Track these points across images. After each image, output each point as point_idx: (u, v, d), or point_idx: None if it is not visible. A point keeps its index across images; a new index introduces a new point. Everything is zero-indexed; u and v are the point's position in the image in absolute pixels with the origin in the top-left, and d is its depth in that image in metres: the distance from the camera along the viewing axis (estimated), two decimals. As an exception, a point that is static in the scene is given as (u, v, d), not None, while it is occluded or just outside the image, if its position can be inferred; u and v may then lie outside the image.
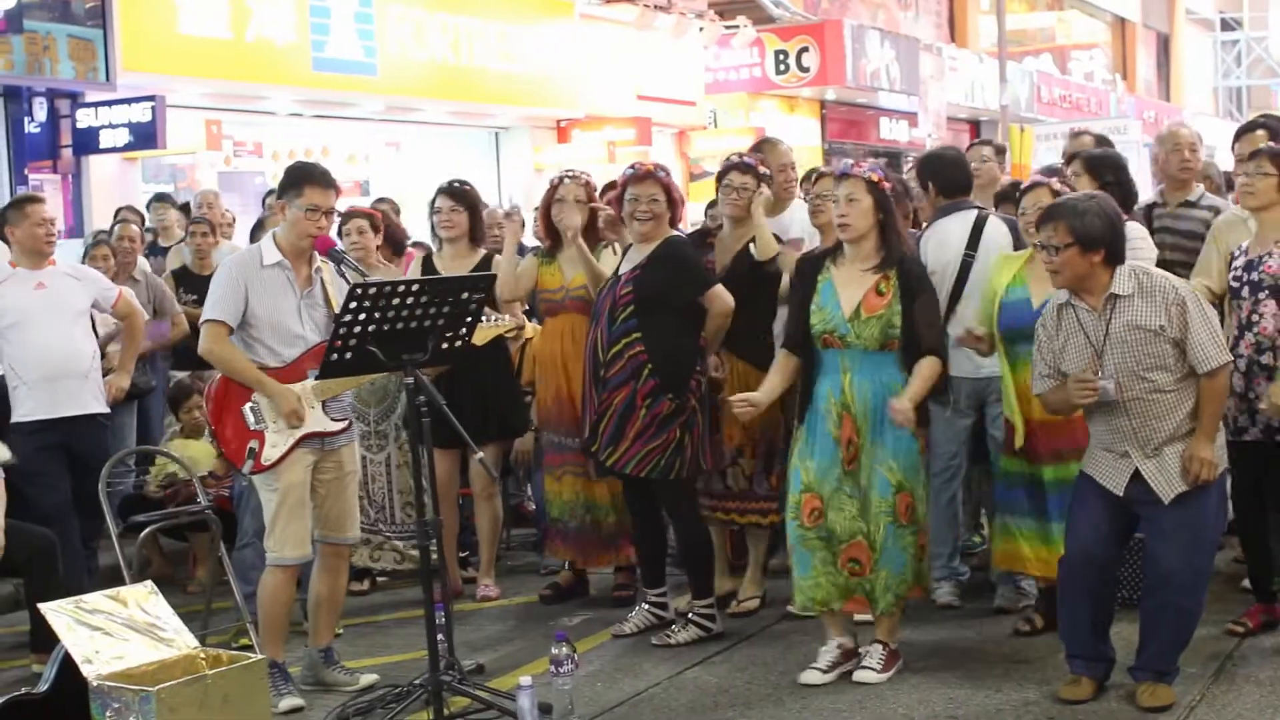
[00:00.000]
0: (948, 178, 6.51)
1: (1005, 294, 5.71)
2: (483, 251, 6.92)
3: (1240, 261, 5.79)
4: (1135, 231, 6.25)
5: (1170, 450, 4.92)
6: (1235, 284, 5.78)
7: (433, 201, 7.00)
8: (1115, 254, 4.96)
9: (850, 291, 5.42)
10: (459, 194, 6.89)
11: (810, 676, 5.44)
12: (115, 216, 10.19)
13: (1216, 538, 5.27)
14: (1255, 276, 5.70)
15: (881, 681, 5.38)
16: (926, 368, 5.37)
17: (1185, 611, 4.99)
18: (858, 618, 5.96)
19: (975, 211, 6.40)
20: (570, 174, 6.75)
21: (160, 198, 11.29)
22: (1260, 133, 6.62)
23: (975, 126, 27.11)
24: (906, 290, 5.38)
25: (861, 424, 5.38)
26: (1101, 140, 7.89)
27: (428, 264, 6.90)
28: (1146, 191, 7.75)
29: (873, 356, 5.38)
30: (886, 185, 5.44)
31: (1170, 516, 4.92)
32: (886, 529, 5.37)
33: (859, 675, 5.42)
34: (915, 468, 5.42)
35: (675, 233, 6.26)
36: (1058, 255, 4.91)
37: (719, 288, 6.07)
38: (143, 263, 8.96)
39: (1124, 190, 6.31)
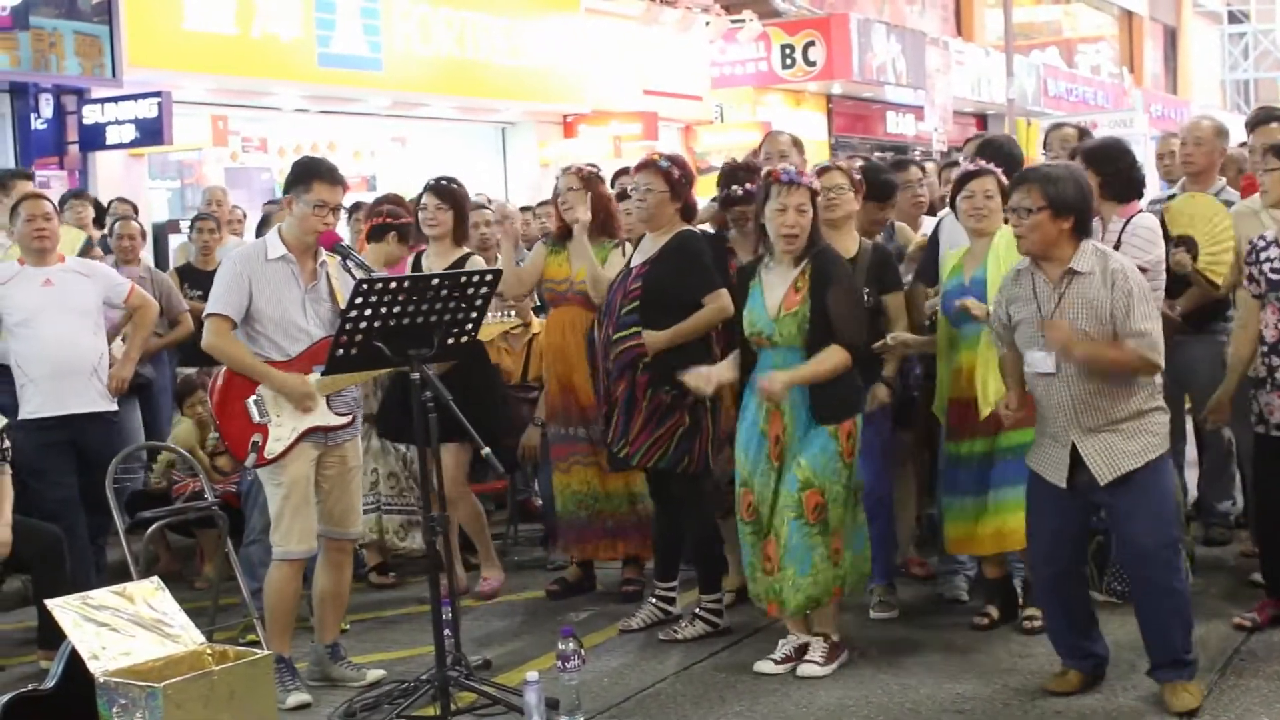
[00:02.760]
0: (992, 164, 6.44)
1: (947, 285, 5.83)
2: (464, 250, 6.81)
3: (1275, 253, 5.63)
4: (1144, 222, 6.23)
5: (1110, 435, 4.84)
6: (1275, 275, 5.62)
7: (419, 197, 6.95)
8: (1083, 225, 4.93)
9: (775, 292, 5.49)
10: (445, 192, 6.79)
11: (763, 666, 5.53)
12: (108, 209, 10.18)
13: (1175, 506, 5.26)
14: None
15: (824, 675, 5.41)
16: (825, 355, 5.37)
17: (1173, 591, 4.92)
18: (874, 615, 6.14)
19: None
20: (568, 167, 6.76)
21: (76, 194, 11.19)
22: (1275, 125, 6.58)
23: (982, 120, 27.08)
24: (817, 283, 5.41)
25: (788, 422, 5.42)
26: (1083, 132, 7.84)
27: (417, 263, 6.83)
28: (1153, 189, 7.71)
29: (796, 353, 5.43)
30: (817, 185, 5.54)
31: (1126, 498, 4.88)
32: (790, 524, 5.38)
33: (802, 669, 5.46)
34: (830, 468, 5.39)
35: (688, 227, 6.17)
36: (1028, 218, 4.87)
37: (723, 292, 5.97)
38: (146, 258, 8.96)
39: (1126, 178, 6.28)
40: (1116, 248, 5.93)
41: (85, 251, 7.51)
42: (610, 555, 6.85)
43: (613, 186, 6.94)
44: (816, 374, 5.39)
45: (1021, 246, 4.98)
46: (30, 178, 8.02)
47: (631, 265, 6.17)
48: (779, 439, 5.44)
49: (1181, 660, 4.98)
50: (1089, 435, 4.87)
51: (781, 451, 5.44)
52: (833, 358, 5.38)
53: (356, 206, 8.50)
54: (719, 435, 6.14)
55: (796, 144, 6.74)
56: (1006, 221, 5.37)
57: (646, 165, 6.15)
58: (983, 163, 5.98)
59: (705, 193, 7.30)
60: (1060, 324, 4.80)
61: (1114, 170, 6.25)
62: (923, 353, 6.15)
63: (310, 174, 5.44)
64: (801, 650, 5.54)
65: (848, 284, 5.55)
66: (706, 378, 5.65)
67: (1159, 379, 4.97)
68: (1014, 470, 5.48)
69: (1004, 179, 5.75)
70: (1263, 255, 5.65)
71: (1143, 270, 6.06)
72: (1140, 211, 6.31)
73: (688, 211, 6.19)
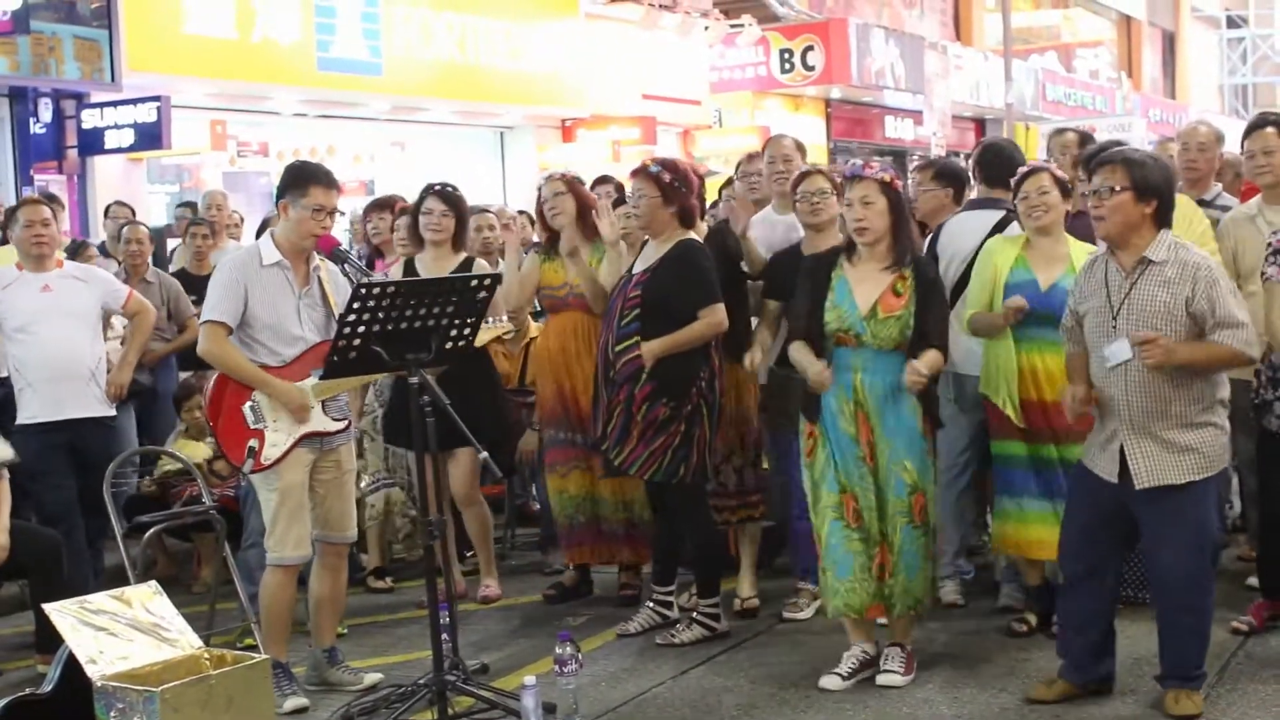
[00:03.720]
0: (993, 168, 6.48)
1: (1009, 275, 5.68)
2: (463, 255, 6.78)
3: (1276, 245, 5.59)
4: None
5: (1165, 438, 4.77)
6: (1270, 268, 5.57)
7: (419, 203, 6.82)
8: (1165, 211, 4.85)
9: (866, 291, 5.38)
10: (452, 199, 6.74)
11: (830, 682, 5.38)
12: (106, 213, 10.18)
13: (1214, 533, 5.20)
14: None
15: (905, 684, 5.34)
16: (932, 354, 5.34)
17: (1195, 610, 4.89)
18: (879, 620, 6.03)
19: (1002, 212, 6.30)
20: (546, 175, 6.81)
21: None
22: (1270, 130, 6.59)
23: (980, 124, 27.10)
24: (922, 292, 5.36)
25: (875, 422, 5.35)
26: (1085, 138, 7.84)
27: (409, 267, 6.77)
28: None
29: (885, 356, 5.34)
30: (899, 185, 5.44)
31: (1161, 519, 4.82)
32: (903, 531, 5.33)
33: (882, 679, 5.37)
34: (927, 468, 5.39)
35: (690, 235, 6.10)
36: (1110, 198, 4.77)
37: (718, 307, 5.95)
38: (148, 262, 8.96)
39: None
40: None
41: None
42: (606, 560, 6.84)
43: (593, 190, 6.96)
44: (935, 369, 5.35)
45: (1099, 230, 4.88)
46: (38, 204, 7.98)
47: (633, 271, 6.16)
48: (868, 440, 5.35)
49: (1191, 675, 4.95)
50: (1140, 437, 4.80)
51: (871, 453, 5.36)
52: (939, 359, 5.35)
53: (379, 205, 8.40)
54: (715, 443, 6.15)
55: (799, 147, 6.74)
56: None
57: (638, 172, 6.14)
58: (1038, 161, 5.95)
59: (707, 196, 7.27)
60: (1152, 335, 4.70)
61: None
62: None
63: (306, 179, 5.43)
64: (868, 662, 5.46)
65: (944, 294, 5.58)
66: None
67: (1223, 394, 4.88)
68: (1058, 481, 5.51)
69: (1059, 174, 5.71)
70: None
71: None
72: None
73: (686, 216, 6.09)
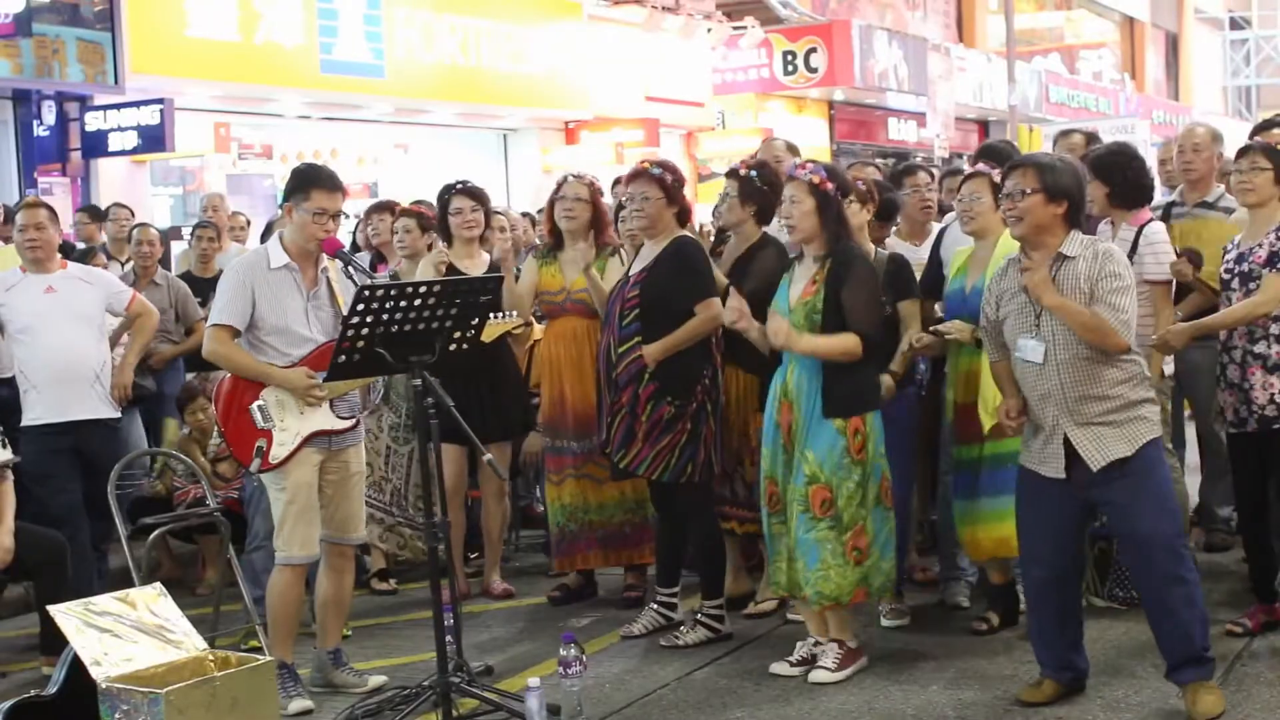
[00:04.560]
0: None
1: (949, 284, 5.89)
2: (488, 254, 6.92)
3: (1232, 254, 5.77)
4: (1157, 234, 6.23)
5: (1101, 428, 4.80)
6: (1226, 275, 5.76)
7: (446, 202, 6.93)
8: (1075, 213, 4.94)
9: (798, 287, 5.55)
10: (479, 194, 6.92)
11: (778, 667, 5.58)
12: (107, 215, 10.18)
13: (1175, 497, 5.23)
14: (1246, 267, 5.67)
15: (836, 680, 5.40)
16: (837, 337, 5.38)
17: (1182, 579, 4.85)
18: (885, 623, 6.14)
19: None
20: (575, 174, 6.76)
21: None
22: (1277, 132, 6.57)
23: (984, 126, 27.11)
24: (833, 277, 5.43)
25: (797, 413, 5.44)
26: (1091, 138, 7.84)
27: (451, 267, 6.76)
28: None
29: None
30: (828, 186, 5.51)
31: (1124, 490, 4.82)
32: (798, 518, 5.40)
33: (813, 675, 5.45)
34: (839, 464, 5.38)
35: (685, 234, 6.19)
36: (1022, 200, 4.87)
37: (714, 300, 5.98)
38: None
39: (1135, 185, 6.28)
40: (1131, 256, 5.94)
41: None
42: (600, 564, 6.84)
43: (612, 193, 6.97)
44: (821, 347, 5.38)
45: (1014, 231, 4.99)
46: (36, 207, 7.99)
47: (630, 273, 6.17)
48: (790, 429, 5.45)
49: (1200, 657, 4.88)
50: (1080, 427, 4.83)
51: (792, 442, 5.45)
52: (843, 340, 5.37)
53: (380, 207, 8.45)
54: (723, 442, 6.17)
55: (792, 150, 6.76)
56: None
57: (640, 174, 6.16)
58: (982, 166, 6.00)
59: (707, 198, 7.30)
60: (1037, 269, 4.80)
61: (1121, 178, 6.25)
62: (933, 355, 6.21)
63: (309, 182, 5.45)
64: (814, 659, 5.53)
65: (865, 277, 5.54)
66: (741, 312, 5.57)
67: (1145, 368, 4.92)
68: (1013, 477, 5.47)
69: (996, 179, 5.68)
70: (1225, 257, 5.71)
71: (1161, 283, 6.10)
72: (1151, 219, 6.31)
73: (683, 214, 6.19)
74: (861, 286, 5.47)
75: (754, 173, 6.27)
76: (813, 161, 5.80)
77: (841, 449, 5.39)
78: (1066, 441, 4.86)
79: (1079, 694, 5.10)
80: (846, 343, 5.38)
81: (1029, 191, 4.86)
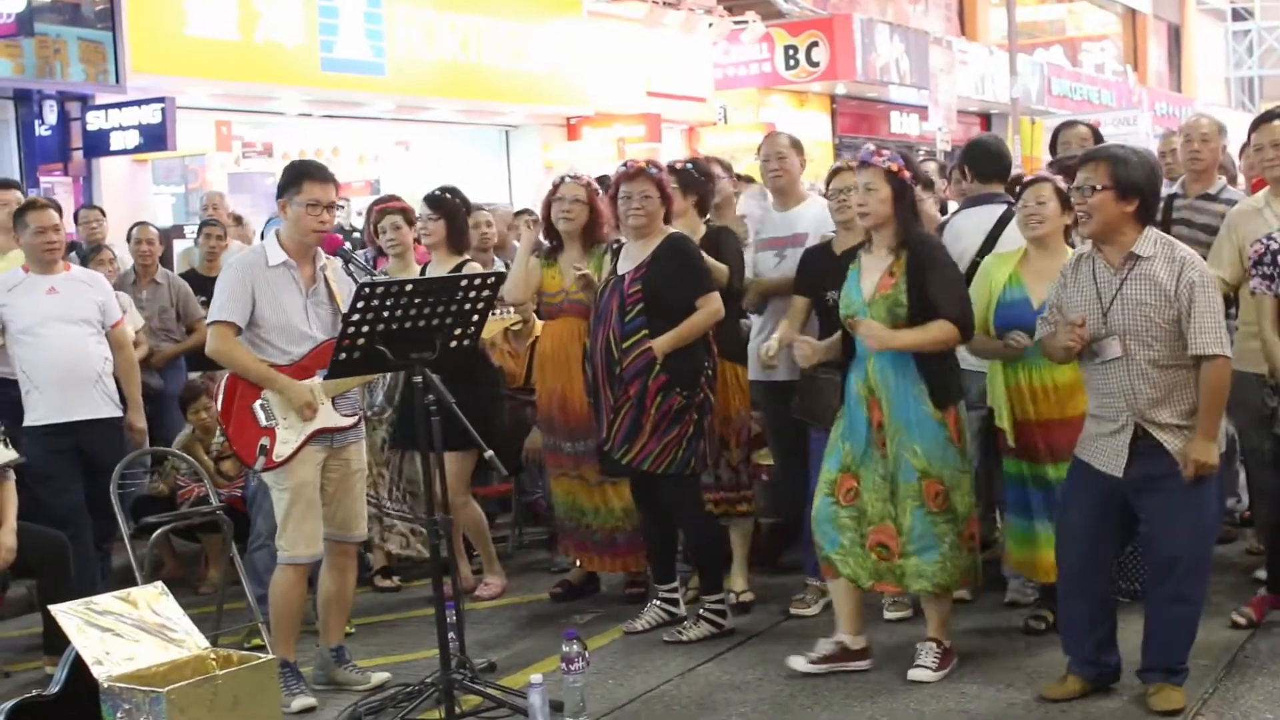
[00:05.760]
0: (984, 164, 6.48)
1: (1002, 294, 5.62)
2: (463, 257, 6.84)
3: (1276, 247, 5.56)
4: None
5: (1173, 424, 4.72)
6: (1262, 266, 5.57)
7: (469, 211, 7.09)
8: (1148, 209, 4.82)
9: (871, 277, 5.45)
10: (435, 202, 6.85)
11: (795, 663, 5.49)
12: (76, 219, 10.11)
13: (1217, 524, 5.18)
14: None
15: (936, 680, 5.33)
16: (934, 326, 5.31)
17: (1190, 602, 4.87)
18: (888, 615, 6.08)
19: (1003, 207, 6.25)
20: (572, 175, 6.75)
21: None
22: (1278, 123, 6.57)
23: (986, 119, 27.08)
24: (914, 268, 5.36)
25: (886, 408, 5.37)
26: (1095, 132, 7.80)
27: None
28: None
29: None
30: (906, 174, 5.45)
31: (1168, 503, 4.77)
32: (914, 514, 5.34)
33: (912, 674, 5.37)
34: (943, 455, 5.35)
35: (675, 230, 6.21)
36: (1092, 196, 4.74)
37: (714, 295, 6.03)
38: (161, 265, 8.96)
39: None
40: None
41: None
42: (597, 569, 6.83)
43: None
44: (923, 340, 5.31)
45: (1083, 229, 4.87)
46: (16, 187, 8.00)
47: (620, 272, 6.15)
48: (881, 425, 5.37)
49: (1175, 669, 4.92)
50: (1153, 425, 4.75)
51: (884, 439, 5.37)
52: (941, 328, 5.31)
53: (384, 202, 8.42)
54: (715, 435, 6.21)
55: (795, 144, 6.72)
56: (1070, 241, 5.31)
57: (638, 174, 6.15)
58: (1045, 172, 5.89)
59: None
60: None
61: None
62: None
63: (300, 175, 5.46)
64: (841, 654, 5.48)
65: (948, 262, 5.50)
66: (813, 349, 5.59)
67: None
68: None
69: (1061, 185, 5.56)
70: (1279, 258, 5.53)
71: None
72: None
73: (669, 214, 6.24)
74: (946, 272, 5.44)
75: (690, 165, 6.43)
76: (886, 149, 5.71)
77: (945, 439, 5.35)
78: (1133, 441, 4.78)
79: (1096, 692, 5.05)
80: (945, 331, 5.32)
81: (1099, 188, 4.74)
